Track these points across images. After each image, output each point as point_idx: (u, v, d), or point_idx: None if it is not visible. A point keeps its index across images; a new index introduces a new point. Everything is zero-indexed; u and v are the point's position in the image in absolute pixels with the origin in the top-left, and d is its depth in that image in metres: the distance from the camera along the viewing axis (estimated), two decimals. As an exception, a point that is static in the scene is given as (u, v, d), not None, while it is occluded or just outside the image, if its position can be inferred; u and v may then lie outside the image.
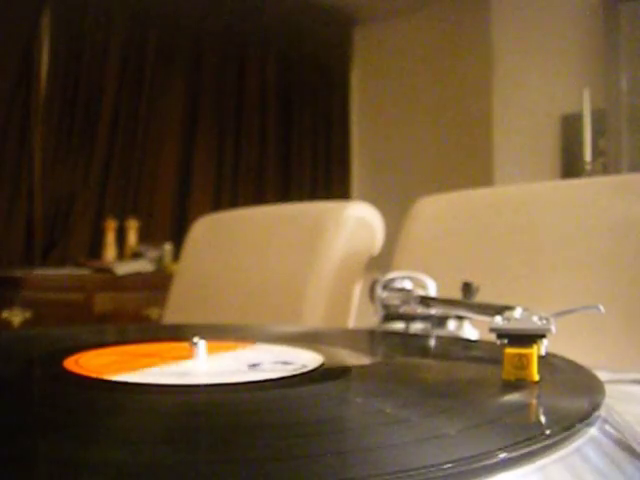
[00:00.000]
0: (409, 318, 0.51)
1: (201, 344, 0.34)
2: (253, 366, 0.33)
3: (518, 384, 0.28)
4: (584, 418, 0.23)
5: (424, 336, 0.48)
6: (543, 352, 0.30)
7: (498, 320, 0.32)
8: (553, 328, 0.30)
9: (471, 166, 3.00)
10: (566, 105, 2.57)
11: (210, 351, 0.35)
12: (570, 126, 2.57)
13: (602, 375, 0.31)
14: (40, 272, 2.30)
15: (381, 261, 0.93)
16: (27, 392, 0.29)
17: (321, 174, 3.43)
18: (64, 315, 2.15)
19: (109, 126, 2.69)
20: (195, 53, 2.97)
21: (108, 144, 2.68)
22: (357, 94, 3.61)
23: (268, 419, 0.24)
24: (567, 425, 0.22)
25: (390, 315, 0.53)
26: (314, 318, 0.88)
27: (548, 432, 0.21)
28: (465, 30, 3.11)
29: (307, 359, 0.34)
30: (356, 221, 0.92)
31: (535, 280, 0.73)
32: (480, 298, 0.50)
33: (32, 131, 2.48)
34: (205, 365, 0.34)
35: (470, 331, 0.50)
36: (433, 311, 0.50)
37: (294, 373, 0.31)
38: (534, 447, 0.20)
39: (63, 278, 2.28)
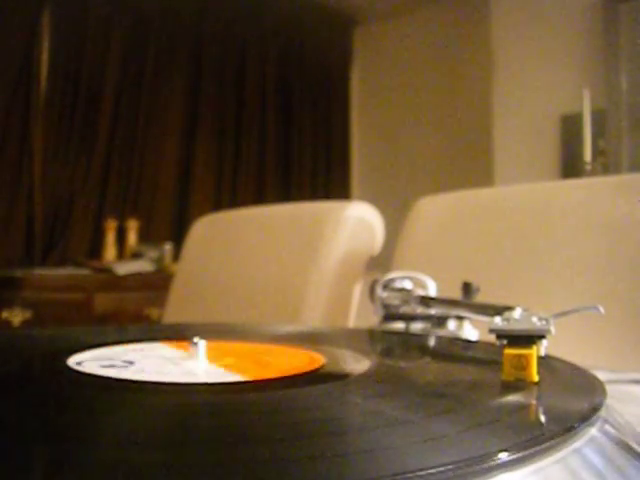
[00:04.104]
0: (409, 318, 0.51)
1: (201, 344, 0.34)
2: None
3: (518, 385, 0.28)
4: (584, 418, 0.23)
5: (424, 336, 0.48)
6: (542, 353, 0.30)
7: (498, 321, 0.32)
8: (552, 329, 0.30)
9: (471, 166, 3.01)
10: (566, 105, 2.57)
11: (210, 353, 0.35)
12: (570, 126, 2.57)
13: (602, 375, 0.31)
14: (40, 272, 2.30)
15: (381, 261, 0.93)
16: (27, 392, 0.29)
17: (321, 174, 3.43)
18: (64, 315, 2.15)
19: (109, 126, 2.69)
20: (195, 53, 2.97)
21: (108, 144, 2.68)
22: (357, 94, 3.61)
23: (268, 419, 0.24)
24: (568, 426, 0.22)
25: (390, 315, 0.53)
26: (314, 318, 0.88)
27: (548, 433, 0.21)
28: (465, 30, 3.11)
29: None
30: (356, 221, 0.92)
31: (535, 280, 0.73)
32: (480, 298, 0.50)
33: (32, 131, 2.48)
34: (204, 364, 0.34)
35: (470, 331, 0.50)
36: (433, 311, 0.50)
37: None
38: (535, 448, 0.20)
39: (63, 278, 2.28)
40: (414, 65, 3.33)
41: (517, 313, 0.34)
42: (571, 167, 2.56)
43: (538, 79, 2.67)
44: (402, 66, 3.38)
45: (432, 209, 0.87)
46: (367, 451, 0.19)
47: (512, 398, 0.27)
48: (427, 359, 0.41)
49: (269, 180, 3.20)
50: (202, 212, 1.27)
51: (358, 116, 3.60)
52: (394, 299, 0.53)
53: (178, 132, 2.91)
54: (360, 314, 0.88)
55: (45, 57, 2.52)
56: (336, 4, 3.32)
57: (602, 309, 0.34)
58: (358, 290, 0.91)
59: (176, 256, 2.09)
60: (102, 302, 2.26)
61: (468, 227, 0.82)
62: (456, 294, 0.51)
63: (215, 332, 0.49)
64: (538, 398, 0.27)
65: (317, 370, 0.32)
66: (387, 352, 0.44)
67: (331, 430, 0.22)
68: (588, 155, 2.40)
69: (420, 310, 0.51)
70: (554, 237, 0.73)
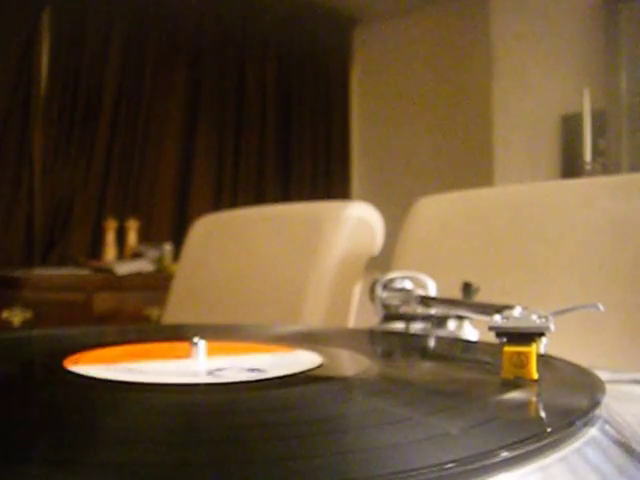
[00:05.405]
0: (409, 318, 0.51)
1: (201, 344, 0.34)
2: (252, 370, 0.33)
3: (518, 382, 0.28)
4: (584, 417, 0.23)
5: (424, 336, 0.48)
6: (542, 350, 0.30)
7: (497, 319, 0.32)
8: (552, 326, 0.30)
9: (471, 166, 3.00)
10: (566, 105, 2.57)
11: (210, 353, 0.35)
12: (570, 126, 2.57)
13: (602, 375, 0.31)
14: (40, 272, 2.30)
15: (381, 261, 0.93)
16: (27, 392, 0.29)
17: (321, 174, 3.43)
18: (64, 315, 2.15)
19: (109, 126, 2.69)
20: (195, 53, 2.97)
21: (108, 144, 2.68)
22: (357, 94, 3.61)
23: (268, 419, 0.24)
24: (568, 424, 0.22)
25: (390, 315, 0.53)
26: (314, 318, 0.88)
27: (549, 431, 0.21)
28: (465, 30, 3.11)
29: (307, 360, 0.34)
30: (356, 221, 0.92)
31: (535, 280, 0.73)
32: (480, 298, 0.50)
33: (32, 131, 2.48)
34: (204, 365, 0.34)
35: (470, 331, 0.50)
36: (433, 311, 0.50)
37: (294, 372, 0.31)
38: (535, 446, 0.20)
39: (63, 278, 2.28)
40: (414, 65, 3.33)
41: (517, 312, 0.34)
42: (571, 167, 2.56)
43: (538, 79, 2.67)
44: (402, 66, 3.38)
45: (432, 209, 0.87)
46: (368, 449, 0.19)
47: (512, 396, 0.27)
48: (427, 358, 0.41)
49: (269, 180, 3.20)
50: (202, 212, 1.27)
51: (358, 116, 3.60)
52: (394, 299, 0.53)
53: (178, 132, 2.91)
54: (360, 314, 0.88)
55: (45, 57, 2.52)
56: (336, 4, 3.31)
57: (602, 307, 0.34)
58: (358, 290, 0.91)
59: (176, 256, 2.09)
60: (102, 302, 2.26)
61: (468, 227, 0.82)
62: (456, 294, 0.51)
63: (215, 332, 0.49)
64: (538, 396, 0.27)
65: (317, 369, 0.32)
66: (387, 352, 0.44)
67: (332, 428, 0.22)
68: (588, 155, 2.40)
69: (420, 310, 0.51)
70: (554, 237, 0.73)
